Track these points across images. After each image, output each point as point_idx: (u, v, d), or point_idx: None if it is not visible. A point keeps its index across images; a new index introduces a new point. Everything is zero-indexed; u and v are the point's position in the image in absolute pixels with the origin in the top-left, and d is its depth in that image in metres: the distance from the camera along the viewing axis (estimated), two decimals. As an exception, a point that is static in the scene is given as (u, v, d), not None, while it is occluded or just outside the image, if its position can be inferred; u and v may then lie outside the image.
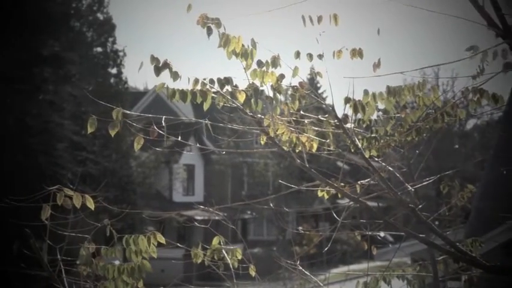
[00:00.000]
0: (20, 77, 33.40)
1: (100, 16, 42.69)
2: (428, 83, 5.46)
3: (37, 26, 34.00)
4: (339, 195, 5.74)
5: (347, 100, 5.15)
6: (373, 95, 5.21)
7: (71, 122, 34.80)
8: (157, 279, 7.18)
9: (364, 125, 5.35)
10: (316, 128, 5.25)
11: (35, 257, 4.91)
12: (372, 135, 5.34)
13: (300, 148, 5.17)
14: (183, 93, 4.86)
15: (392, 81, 5.31)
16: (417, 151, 6.08)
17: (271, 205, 6.68)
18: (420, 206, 5.40)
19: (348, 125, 5.23)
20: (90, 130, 4.73)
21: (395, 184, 5.47)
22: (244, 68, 4.96)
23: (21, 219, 5.65)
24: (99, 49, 42.55)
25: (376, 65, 5.20)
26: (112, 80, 42.62)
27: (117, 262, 4.99)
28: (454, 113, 5.40)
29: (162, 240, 4.99)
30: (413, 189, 5.47)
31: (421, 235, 5.47)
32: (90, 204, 4.79)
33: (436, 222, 5.87)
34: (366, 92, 5.19)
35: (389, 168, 5.48)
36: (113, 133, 4.72)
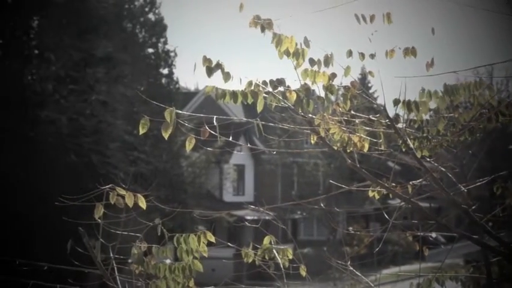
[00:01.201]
0: (74, 78, 33.93)
1: (152, 17, 43.09)
2: (485, 82, 5.38)
3: (90, 27, 34.49)
4: (390, 196, 5.70)
5: (397, 102, 5.11)
6: (429, 93, 5.16)
7: (123, 121, 35.20)
8: (208, 278, 7.22)
9: (415, 125, 5.30)
10: (368, 128, 5.22)
11: (88, 255, 4.98)
12: (424, 135, 5.29)
13: (351, 148, 5.14)
14: (234, 94, 4.87)
15: (445, 80, 5.25)
16: (470, 151, 5.99)
17: (322, 205, 6.66)
18: (473, 207, 5.33)
19: (400, 125, 5.19)
20: (142, 131, 4.74)
21: (447, 185, 5.40)
22: (295, 67, 4.95)
23: (75, 217, 5.73)
24: (151, 50, 42.95)
25: (429, 64, 5.15)
26: (163, 80, 42.98)
27: (168, 261, 5.02)
28: (508, 112, 5.32)
29: (212, 239, 5.00)
30: (466, 190, 5.40)
31: (474, 236, 5.40)
32: (142, 204, 4.83)
33: (490, 224, 5.78)
34: (422, 90, 5.13)
35: (442, 168, 5.42)
36: (166, 135, 4.71)
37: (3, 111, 31.80)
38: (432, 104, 5.24)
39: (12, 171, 31.24)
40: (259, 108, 4.87)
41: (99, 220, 4.80)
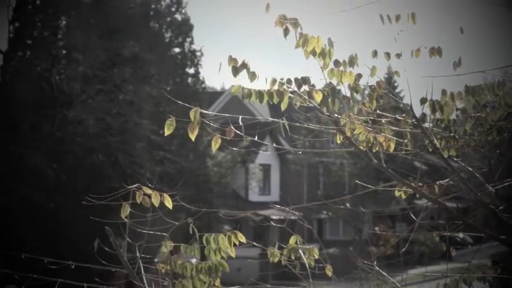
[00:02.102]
0: (101, 78, 34.16)
1: (178, 17, 43.23)
2: (510, 81, 5.33)
3: (117, 28, 34.71)
4: (417, 196, 5.67)
5: (423, 101, 5.08)
6: (452, 94, 5.13)
7: (149, 121, 35.37)
8: (234, 277, 7.24)
9: (442, 125, 5.27)
10: (394, 128, 5.20)
11: (115, 254, 5.00)
12: (451, 134, 5.25)
13: (377, 148, 5.12)
14: (259, 94, 4.86)
15: (472, 80, 5.22)
16: (498, 151, 5.94)
17: (348, 205, 6.65)
18: (501, 207, 5.29)
19: (426, 125, 5.16)
20: (167, 132, 4.74)
21: (475, 185, 5.36)
22: (322, 68, 4.94)
23: (101, 217, 5.76)
24: (177, 49, 43.08)
25: (457, 64, 5.12)
26: (189, 80, 43.09)
27: (194, 260, 5.03)
28: (537, 112, 5.26)
29: (243, 239, 4.99)
30: (493, 190, 5.36)
31: (502, 236, 5.36)
32: (168, 203, 4.84)
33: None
34: (444, 92, 5.11)
35: (469, 168, 5.38)
36: (192, 136, 4.71)
37: (31, 111, 32.10)
38: (459, 104, 5.21)
39: (41, 171, 31.53)
40: (284, 107, 4.87)
41: (125, 219, 4.82)
